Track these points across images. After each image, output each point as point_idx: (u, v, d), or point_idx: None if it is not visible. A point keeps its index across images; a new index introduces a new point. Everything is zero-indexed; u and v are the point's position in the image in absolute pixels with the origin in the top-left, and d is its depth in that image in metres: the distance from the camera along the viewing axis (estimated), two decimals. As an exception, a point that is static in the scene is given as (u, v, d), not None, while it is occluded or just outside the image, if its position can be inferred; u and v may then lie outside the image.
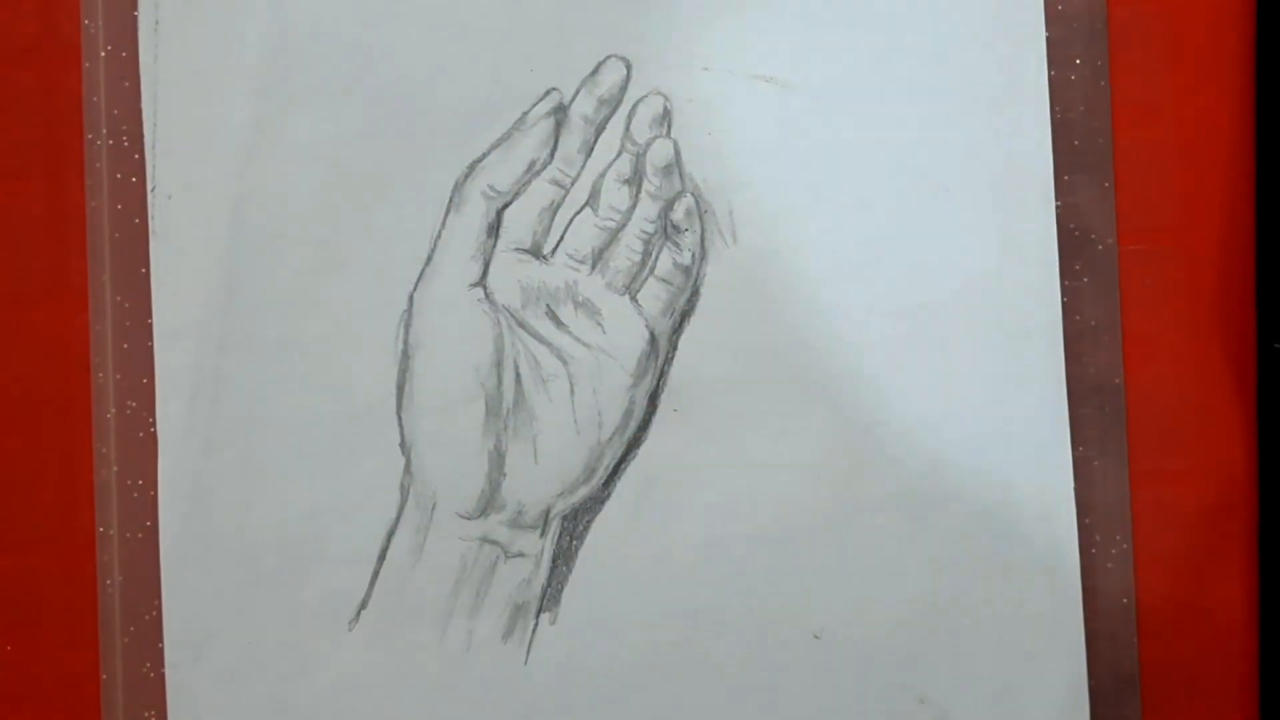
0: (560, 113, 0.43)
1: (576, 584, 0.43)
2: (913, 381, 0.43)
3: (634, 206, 0.43)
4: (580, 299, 0.43)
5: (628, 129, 0.43)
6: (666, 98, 0.43)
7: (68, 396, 0.43)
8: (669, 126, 0.43)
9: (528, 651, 0.43)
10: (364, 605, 0.43)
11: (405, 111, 0.43)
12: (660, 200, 0.43)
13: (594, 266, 0.43)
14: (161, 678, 0.43)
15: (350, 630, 0.43)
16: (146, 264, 0.43)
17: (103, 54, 0.43)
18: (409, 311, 0.43)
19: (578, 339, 0.42)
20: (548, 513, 0.42)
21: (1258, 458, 0.43)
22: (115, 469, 0.43)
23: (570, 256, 0.43)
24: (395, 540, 0.42)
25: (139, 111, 0.43)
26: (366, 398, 0.42)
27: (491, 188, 0.43)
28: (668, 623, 0.43)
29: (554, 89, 0.43)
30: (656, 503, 0.42)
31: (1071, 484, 0.43)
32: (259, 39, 0.43)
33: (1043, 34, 0.43)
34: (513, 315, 0.43)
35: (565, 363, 0.42)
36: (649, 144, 0.43)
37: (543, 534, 0.42)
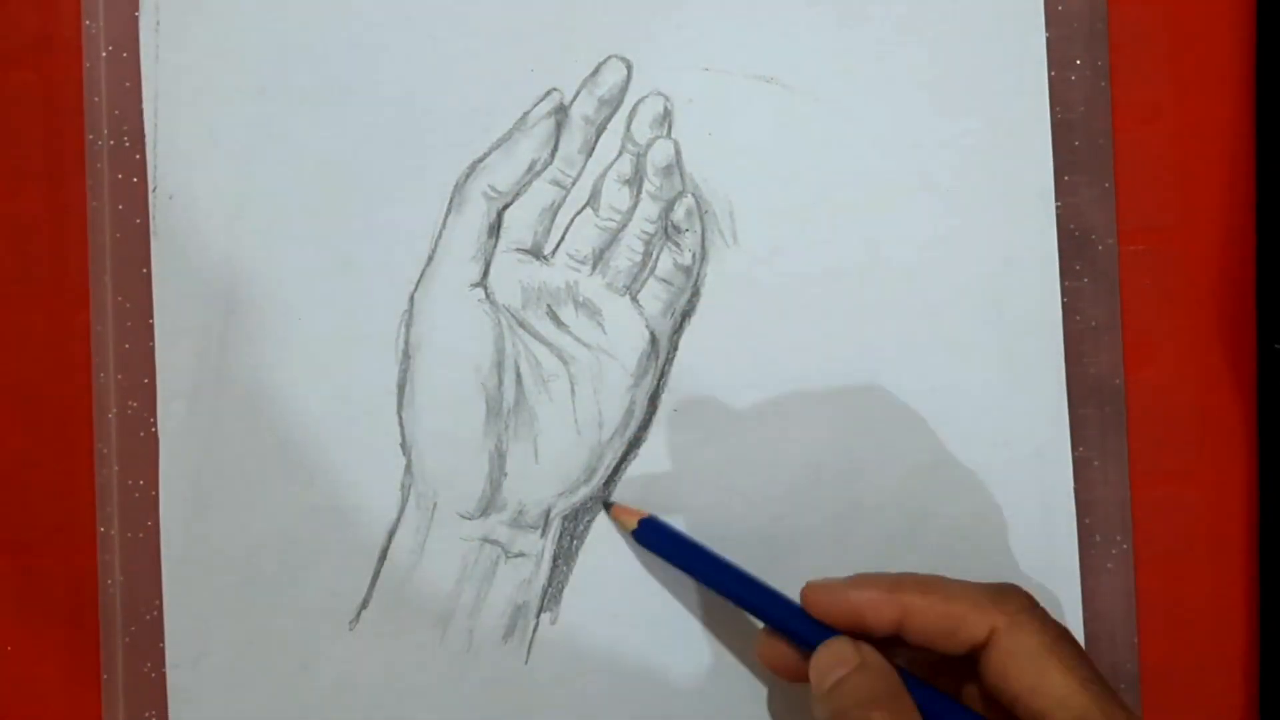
0: (561, 113, 0.43)
1: (577, 584, 0.43)
2: (913, 382, 0.43)
3: (634, 207, 0.43)
4: (581, 299, 0.43)
5: (628, 129, 0.43)
6: (667, 98, 0.43)
7: (69, 396, 0.43)
8: (670, 127, 0.43)
9: (528, 651, 0.43)
10: (364, 605, 0.43)
11: (405, 112, 0.43)
12: (661, 200, 0.43)
13: (594, 267, 0.43)
14: (162, 678, 0.43)
15: (350, 630, 0.43)
16: (147, 264, 0.43)
17: (104, 54, 0.43)
18: (409, 312, 0.43)
19: (578, 339, 0.42)
20: (548, 513, 0.43)
21: (1258, 458, 0.43)
22: (116, 469, 0.43)
23: (571, 257, 0.43)
24: (395, 540, 0.42)
25: (140, 112, 0.43)
26: (366, 398, 0.43)
27: (492, 188, 0.43)
28: (667, 623, 0.43)
29: (555, 89, 0.43)
30: (656, 503, 0.42)
31: (1071, 484, 0.43)
32: (259, 39, 0.43)
33: (1043, 34, 0.43)
34: (513, 315, 0.43)
35: (566, 363, 0.42)
36: (650, 144, 0.43)
37: (543, 534, 0.42)
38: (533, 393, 0.42)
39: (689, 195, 0.43)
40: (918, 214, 0.43)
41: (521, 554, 0.42)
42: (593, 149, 0.43)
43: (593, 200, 0.43)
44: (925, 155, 0.43)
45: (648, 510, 0.42)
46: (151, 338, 0.43)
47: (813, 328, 0.43)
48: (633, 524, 0.41)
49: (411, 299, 0.43)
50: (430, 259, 0.43)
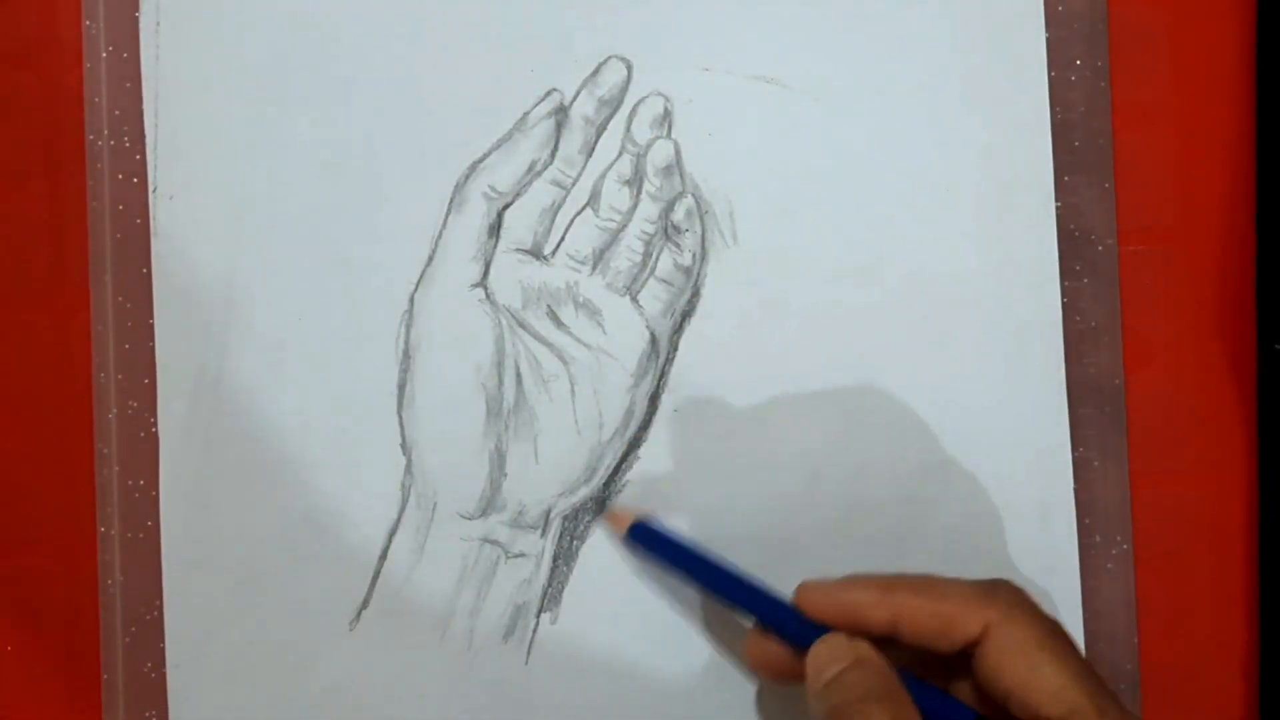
0: (561, 113, 0.43)
1: (577, 584, 0.43)
2: (913, 382, 0.43)
3: (635, 207, 0.43)
4: (581, 299, 0.43)
5: (628, 129, 0.43)
6: (667, 98, 0.43)
7: (69, 396, 0.43)
8: (670, 127, 0.43)
9: (528, 651, 0.43)
10: (364, 605, 0.43)
11: (405, 111, 0.43)
12: (661, 201, 0.43)
13: (595, 267, 0.43)
14: (162, 678, 0.43)
15: (350, 630, 0.43)
16: (148, 264, 0.43)
17: (104, 54, 0.43)
18: (410, 312, 0.43)
19: (578, 339, 0.42)
20: (548, 513, 0.43)
21: (1258, 458, 0.43)
22: (116, 469, 0.43)
23: (571, 257, 0.43)
24: (395, 540, 0.42)
25: (140, 112, 0.43)
26: (366, 398, 0.43)
27: (492, 188, 0.43)
28: (667, 623, 0.43)
29: (555, 89, 0.43)
30: (656, 503, 0.42)
31: (1071, 484, 0.43)
32: (259, 39, 0.43)
33: (1043, 34, 0.43)
34: (513, 316, 0.43)
35: (566, 363, 0.42)
36: (650, 145, 0.43)
37: (543, 534, 0.42)
38: (533, 393, 0.42)
39: (689, 195, 0.43)
40: (918, 214, 0.43)
41: (521, 554, 0.42)
42: (593, 149, 0.43)
43: (593, 200, 0.43)
44: (925, 155, 0.43)
45: (646, 510, 0.42)
46: (151, 338, 0.43)
47: (812, 328, 0.43)
48: (623, 530, 0.41)
49: (411, 299, 0.43)
50: (430, 259, 0.43)
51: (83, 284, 0.43)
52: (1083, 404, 0.43)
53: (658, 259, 0.43)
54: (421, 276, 0.43)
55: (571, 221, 0.43)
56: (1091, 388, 0.43)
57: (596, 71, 0.43)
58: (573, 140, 0.43)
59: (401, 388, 0.43)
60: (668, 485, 0.43)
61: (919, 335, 0.43)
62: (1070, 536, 0.43)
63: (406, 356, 0.43)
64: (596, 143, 0.43)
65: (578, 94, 0.43)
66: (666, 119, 0.43)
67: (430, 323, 0.43)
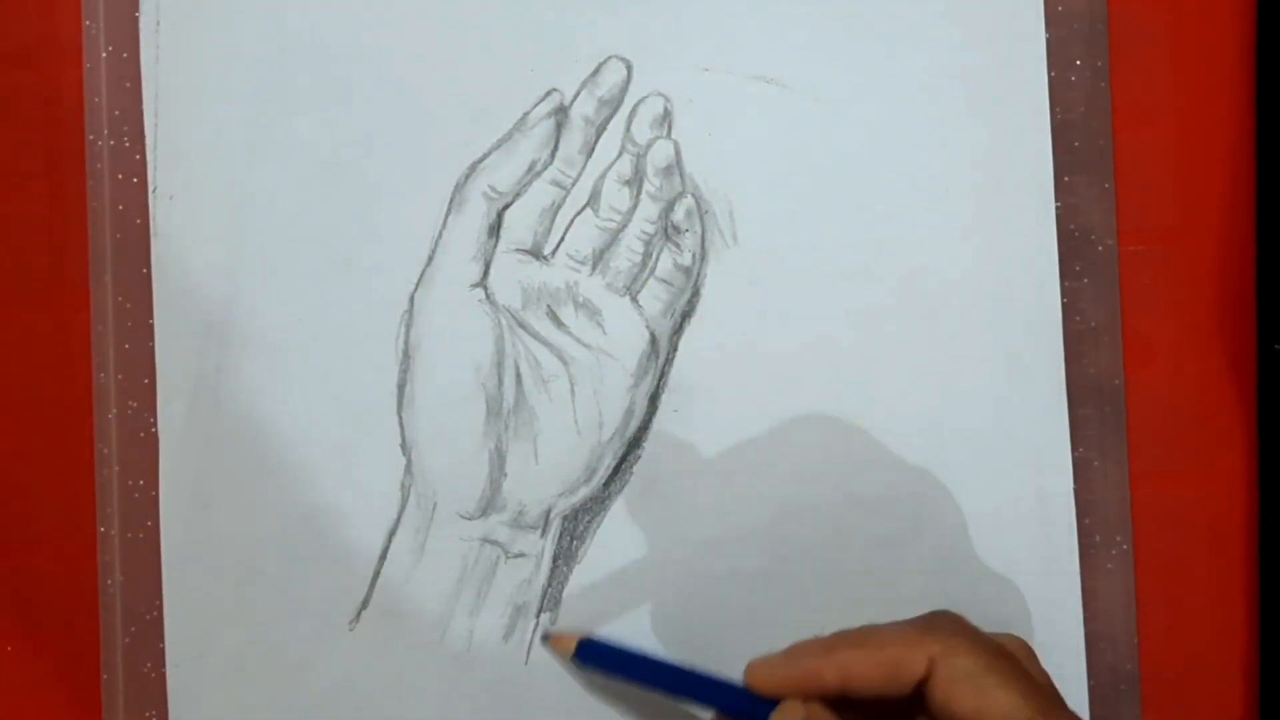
0: (561, 113, 0.43)
1: (577, 584, 0.43)
2: (913, 382, 0.43)
3: (634, 207, 0.43)
4: (581, 300, 0.43)
5: (628, 130, 0.43)
6: (667, 98, 0.43)
7: (69, 396, 0.43)
8: (669, 127, 0.43)
9: (528, 651, 0.43)
10: (364, 605, 0.43)
11: (405, 112, 0.43)
12: (661, 201, 0.43)
13: (594, 267, 0.43)
14: (162, 678, 0.43)
15: (350, 630, 0.43)
16: (147, 264, 0.43)
17: (104, 55, 0.43)
18: (410, 312, 0.43)
19: (578, 339, 0.42)
20: (548, 513, 0.43)
21: (1258, 458, 0.43)
22: (116, 469, 0.43)
23: (571, 257, 0.43)
24: (395, 540, 0.42)
25: (140, 112, 0.43)
26: (366, 398, 0.43)
27: (492, 188, 0.43)
28: (667, 623, 0.43)
29: (555, 89, 0.43)
30: (656, 503, 0.42)
31: (1071, 485, 0.43)
32: (259, 39, 0.43)
33: (1043, 35, 0.43)
34: (513, 316, 0.43)
35: (566, 363, 0.42)
36: (650, 145, 0.43)
37: (543, 534, 0.42)
38: (533, 393, 0.42)
39: (689, 195, 0.43)
40: (918, 214, 0.43)
41: (521, 554, 0.42)
42: (593, 149, 0.43)
43: (593, 201, 0.43)
44: (925, 155, 0.43)
45: (584, 630, 0.42)
46: (151, 338, 0.43)
47: (812, 328, 0.43)
48: (569, 652, 0.41)
49: (411, 299, 0.43)
50: (430, 259, 0.43)
51: (83, 284, 0.43)
52: (1083, 404, 0.43)
53: (658, 259, 0.43)
54: (421, 276, 0.43)
55: (571, 221, 0.43)
56: (1091, 388, 0.43)
57: (596, 71, 0.43)
58: (573, 140, 0.43)
59: (401, 388, 0.43)
60: (667, 485, 0.43)
61: (919, 335, 0.43)
62: (1070, 537, 0.43)
63: (406, 356, 0.43)
64: (596, 143, 0.43)
65: (578, 94, 0.43)
66: (666, 119, 0.43)
67: (430, 323, 0.43)
